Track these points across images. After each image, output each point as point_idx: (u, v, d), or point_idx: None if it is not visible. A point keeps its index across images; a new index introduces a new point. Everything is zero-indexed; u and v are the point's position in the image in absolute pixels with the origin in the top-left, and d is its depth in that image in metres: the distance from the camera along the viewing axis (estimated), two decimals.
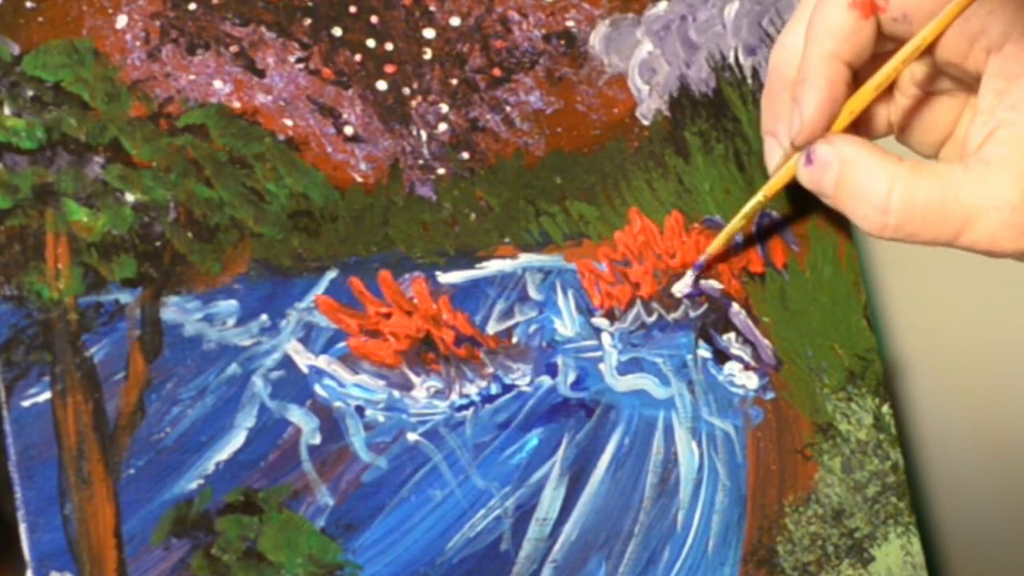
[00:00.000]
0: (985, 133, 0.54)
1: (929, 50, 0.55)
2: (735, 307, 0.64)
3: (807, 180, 0.57)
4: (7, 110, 0.55)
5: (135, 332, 0.55)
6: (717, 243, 0.62)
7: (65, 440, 0.54)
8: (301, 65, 0.59)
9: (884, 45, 0.56)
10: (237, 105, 0.58)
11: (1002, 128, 0.54)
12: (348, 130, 0.60)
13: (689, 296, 0.63)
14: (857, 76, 0.57)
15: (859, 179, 0.55)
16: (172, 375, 0.56)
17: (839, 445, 0.64)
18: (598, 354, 0.61)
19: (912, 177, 0.54)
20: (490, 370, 0.60)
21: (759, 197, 0.60)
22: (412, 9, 0.61)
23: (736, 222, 0.61)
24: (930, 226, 0.54)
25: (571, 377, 0.61)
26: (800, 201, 0.64)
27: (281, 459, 0.57)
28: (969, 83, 0.57)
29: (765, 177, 0.65)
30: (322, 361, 0.58)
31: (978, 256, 0.56)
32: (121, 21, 0.57)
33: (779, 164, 0.59)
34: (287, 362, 0.57)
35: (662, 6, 0.65)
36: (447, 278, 0.60)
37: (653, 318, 0.62)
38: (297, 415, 0.57)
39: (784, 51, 0.58)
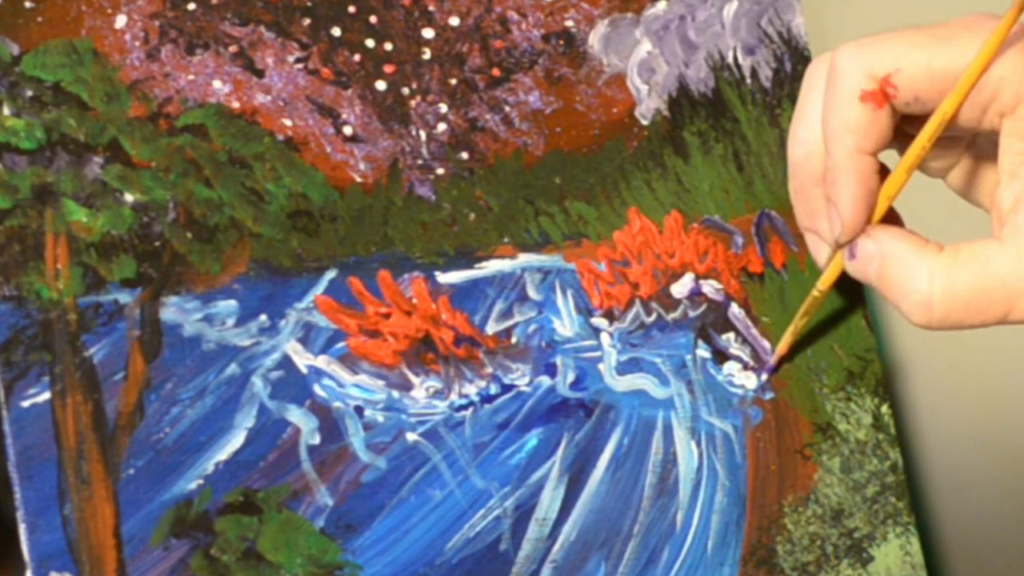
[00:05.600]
0: (1012, 198, 0.54)
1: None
2: (734, 307, 0.64)
3: (853, 272, 0.57)
4: (6, 110, 0.55)
5: (134, 332, 0.55)
6: (783, 344, 0.63)
7: (64, 440, 0.54)
8: (300, 65, 0.59)
9: (901, 123, 0.56)
10: (236, 105, 0.58)
11: None
12: (347, 130, 0.60)
13: (689, 296, 0.63)
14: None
15: (900, 274, 0.55)
16: (171, 375, 0.56)
17: (838, 445, 0.64)
18: (597, 354, 0.61)
19: (951, 267, 0.54)
20: (489, 370, 0.60)
21: (814, 292, 0.60)
22: (411, 9, 0.61)
23: (797, 320, 0.62)
24: (975, 312, 0.54)
25: (570, 377, 0.61)
26: None
27: (280, 459, 0.57)
28: (980, 135, 0.57)
29: (764, 178, 0.65)
30: (321, 361, 0.58)
31: None
32: (120, 21, 0.57)
33: (829, 259, 0.59)
34: (286, 362, 0.57)
35: (661, 6, 0.65)
36: (446, 278, 0.60)
37: (652, 318, 0.62)
38: (296, 415, 0.57)
39: (802, 146, 0.57)
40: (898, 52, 0.54)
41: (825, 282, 0.60)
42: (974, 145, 0.58)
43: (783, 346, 0.63)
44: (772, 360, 0.63)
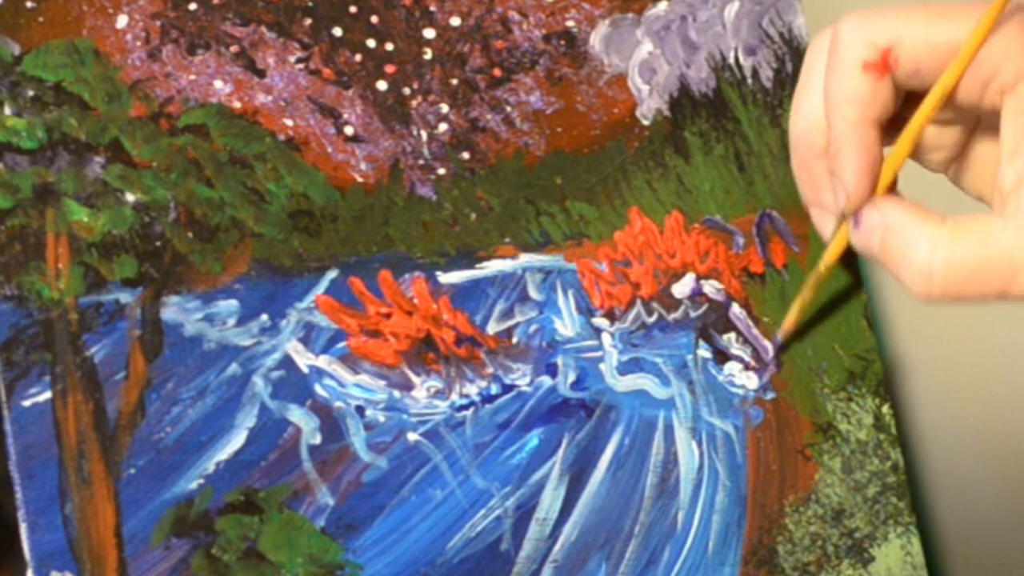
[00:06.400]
0: (1014, 176, 0.54)
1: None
2: (735, 307, 0.64)
3: (857, 243, 0.57)
4: (8, 110, 0.55)
5: (135, 332, 0.55)
6: (791, 317, 0.63)
7: (65, 440, 0.54)
8: (301, 65, 0.59)
9: (901, 108, 0.56)
10: (237, 105, 0.58)
11: None
12: (348, 130, 0.60)
13: (690, 296, 0.63)
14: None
15: (902, 245, 0.55)
16: (172, 375, 0.56)
17: (839, 445, 0.64)
18: (598, 354, 0.61)
19: (953, 239, 0.54)
20: (490, 370, 0.60)
21: (820, 267, 0.60)
22: (412, 9, 0.61)
23: (805, 293, 0.62)
24: (975, 286, 0.54)
25: (571, 377, 0.61)
26: (800, 203, 0.64)
27: (281, 459, 0.57)
28: (981, 115, 0.57)
29: (765, 178, 0.65)
30: (322, 361, 0.58)
31: None
32: (121, 21, 0.57)
33: (834, 231, 0.59)
34: (287, 362, 0.57)
35: (662, 6, 0.65)
36: (447, 278, 0.60)
37: (653, 318, 0.62)
38: (297, 415, 0.57)
39: (804, 120, 0.57)
40: (900, 23, 0.54)
41: (831, 255, 0.60)
42: (975, 133, 0.58)
43: (791, 320, 0.63)
44: (780, 336, 0.63)
